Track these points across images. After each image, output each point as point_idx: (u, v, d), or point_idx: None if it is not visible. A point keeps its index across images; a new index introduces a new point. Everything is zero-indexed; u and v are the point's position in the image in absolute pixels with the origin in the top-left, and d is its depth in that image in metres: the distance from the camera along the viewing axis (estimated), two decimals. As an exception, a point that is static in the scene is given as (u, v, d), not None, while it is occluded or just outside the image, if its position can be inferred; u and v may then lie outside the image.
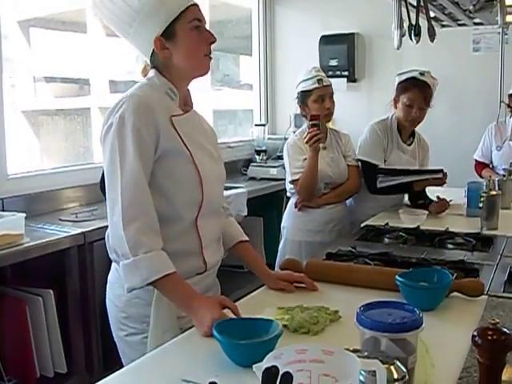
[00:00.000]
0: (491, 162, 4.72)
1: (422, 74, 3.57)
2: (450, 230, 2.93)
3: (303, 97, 3.51)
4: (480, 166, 4.73)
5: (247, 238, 2.29)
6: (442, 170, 3.59)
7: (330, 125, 3.77)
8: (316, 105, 3.45)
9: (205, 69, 2.05)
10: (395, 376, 1.15)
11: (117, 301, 2.06)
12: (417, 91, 3.54)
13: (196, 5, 1.99)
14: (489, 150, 4.71)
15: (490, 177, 3.35)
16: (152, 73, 2.04)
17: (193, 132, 2.03)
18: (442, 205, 3.56)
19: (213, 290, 2.16)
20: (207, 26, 2.04)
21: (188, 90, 2.12)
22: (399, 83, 3.64)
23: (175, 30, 1.94)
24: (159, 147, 1.90)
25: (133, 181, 1.84)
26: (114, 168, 1.86)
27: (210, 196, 2.00)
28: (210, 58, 2.03)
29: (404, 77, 3.62)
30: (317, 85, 3.44)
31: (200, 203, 1.97)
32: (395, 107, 3.66)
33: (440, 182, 3.64)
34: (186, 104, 2.11)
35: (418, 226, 3.02)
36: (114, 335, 2.11)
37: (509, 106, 4.66)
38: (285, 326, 1.72)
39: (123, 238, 1.81)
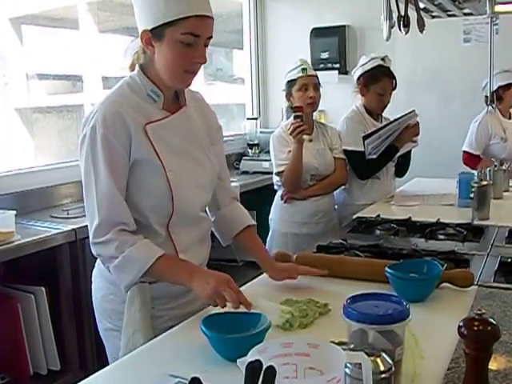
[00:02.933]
0: (485, 155, 4.68)
1: (383, 59, 3.71)
2: (442, 220, 2.93)
3: (288, 86, 3.57)
4: (472, 159, 4.66)
5: (254, 222, 2.24)
6: (414, 110, 3.73)
7: (320, 118, 3.78)
8: (299, 93, 3.50)
9: (181, 84, 1.95)
10: (381, 368, 1.14)
11: (97, 294, 2.08)
12: (387, 79, 3.70)
13: (204, 16, 1.82)
14: (484, 142, 4.68)
15: (482, 167, 3.35)
16: (135, 71, 1.96)
17: (173, 137, 1.95)
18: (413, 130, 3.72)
19: (190, 292, 2.09)
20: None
21: None
22: (365, 72, 3.72)
23: (164, 34, 1.81)
24: (131, 156, 1.86)
25: (107, 198, 1.83)
26: (88, 182, 1.86)
27: (183, 205, 1.94)
28: (193, 75, 1.91)
29: (368, 66, 3.71)
30: (301, 73, 3.51)
31: (170, 213, 1.93)
32: (363, 95, 3.76)
33: (416, 130, 3.74)
34: (177, 102, 2.02)
35: (410, 218, 3.02)
36: (98, 328, 2.13)
37: (496, 99, 4.67)
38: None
39: (105, 242, 1.81)
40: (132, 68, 3.17)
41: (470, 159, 4.67)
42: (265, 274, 2.22)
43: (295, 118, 3.34)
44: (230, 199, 2.24)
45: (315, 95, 3.51)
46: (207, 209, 2.19)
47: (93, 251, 1.89)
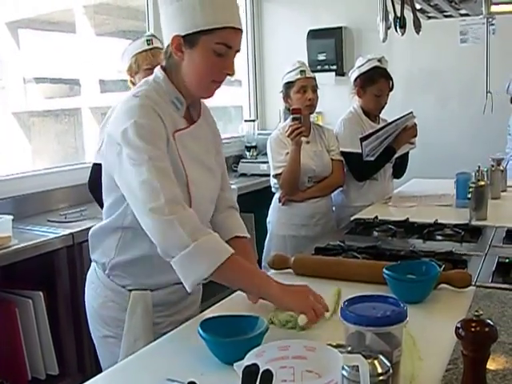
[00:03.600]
0: None
1: (379, 61, 3.73)
2: (439, 221, 2.92)
3: (286, 88, 3.57)
4: None
5: (247, 235, 2.14)
6: (411, 112, 3.74)
7: (318, 120, 3.79)
8: (298, 95, 3.50)
9: (206, 93, 1.91)
10: (379, 370, 1.14)
11: (93, 301, 2.03)
12: (384, 81, 3.71)
13: (236, 29, 1.81)
14: None
15: (479, 167, 3.35)
16: (160, 74, 1.91)
17: (194, 147, 1.92)
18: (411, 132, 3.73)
19: (189, 298, 2.08)
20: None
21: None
22: (362, 74, 3.74)
23: (198, 41, 1.78)
24: None
25: (168, 178, 1.73)
26: (138, 161, 1.72)
27: (198, 216, 1.87)
28: (218, 86, 1.89)
29: (365, 68, 3.72)
30: (299, 76, 3.51)
31: None
32: (360, 97, 3.78)
33: (414, 132, 3.76)
34: (195, 110, 2.00)
35: (407, 219, 3.02)
36: (92, 334, 2.10)
37: None
38: (272, 322, 1.72)
39: (176, 224, 1.66)
40: (130, 72, 3.16)
41: None
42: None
43: (293, 119, 3.34)
44: (227, 208, 2.17)
45: (313, 97, 3.51)
46: None
47: (157, 240, 1.70)
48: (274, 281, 1.78)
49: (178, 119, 1.90)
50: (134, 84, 3.15)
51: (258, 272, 1.83)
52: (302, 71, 3.51)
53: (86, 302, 2.08)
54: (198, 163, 1.92)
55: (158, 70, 1.93)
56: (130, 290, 1.94)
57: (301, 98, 3.49)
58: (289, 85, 3.55)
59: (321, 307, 1.71)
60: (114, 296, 1.96)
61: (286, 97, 3.58)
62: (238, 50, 1.87)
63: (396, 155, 3.75)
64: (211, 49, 1.79)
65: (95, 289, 2.02)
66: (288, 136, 3.35)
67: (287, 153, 3.44)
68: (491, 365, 1.34)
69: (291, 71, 3.55)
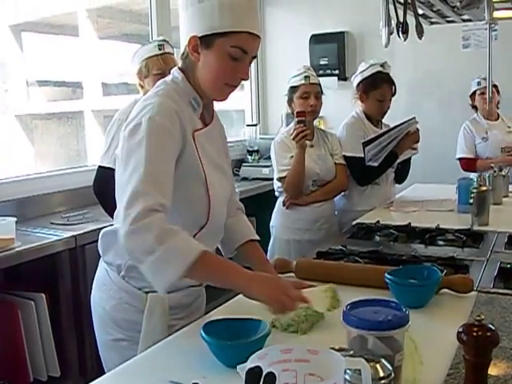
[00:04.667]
0: (477, 156, 4.76)
1: (382, 66, 3.75)
2: (441, 226, 2.92)
3: (290, 92, 3.59)
4: (469, 162, 4.72)
5: (258, 238, 2.18)
6: (414, 118, 3.75)
7: (320, 124, 3.80)
8: (300, 100, 3.52)
9: (220, 96, 1.93)
10: (381, 374, 1.15)
11: (104, 304, 2.00)
12: (386, 86, 3.73)
13: (253, 35, 1.82)
14: (473, 145, 4.77)
15: (481, 173, 3.36)
16: (178, 75, 1.93)
17: (209, 148, 1.93)
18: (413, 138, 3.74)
19: (197, 300, 2.10)
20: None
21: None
22: (364, 79, 3.75)
23: (214, 43, 1.80)
24: (180, 160, 1.81)
25: (155, 180, 1.70)
26: (136, 166, 1.71)
27: (215, 218, 1.92)
28: (232, 89, 1.91)
29: (368, 73, 3.73)
30: (303, 81, 3.51)
31: (203, 225, 1.90)
32: (362, 102, 3.79)
33: (416, 137, 3.77)
34: (208, 113, 2.01)
35: (409, 223, 3.02)
36: (97, 338, 2.07)
37: (472, 106, 4.87)
38: (274, 325, 1.73)
39: (144, 229, 1.62)
40: (139, 75, 3.17)
41: (467, 163, 4.74)
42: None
43: (298, 122, 3.35)
44: (236, 210, 2.21)
45: (316, 103, 3.51)
46: None
47: (126, 247, 1.67)
48: (245, 271, 1.75)
49: (196, 119, 1.91)
50: (142, 87, 3.16)
51: (230, 266, 1.76)
52: (306, 77, 3.52)
53: (95, 305, 2.06)
54: (213, 164, 1.93)
55: (175, 71, 1.94)
56: (147, 292, 1.91)
57: (303, 103, 3.50)
58: (293, 89, 3.56)
59: (288, 299, 1.68)
60: (129, 298, 1.94)
61: (290, 101, 3.59)
62: (255, 57, 1.88)
63: (398, 160, 3.75)
64: (226, 52, 1.81)
65: (107, 291, 1.99)
66: (293, 139, 3.35)
67: (291, 156, 3.45)
68: (492, 370, 1.35)
69: (296, 76, 3.56)
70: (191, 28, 1.84)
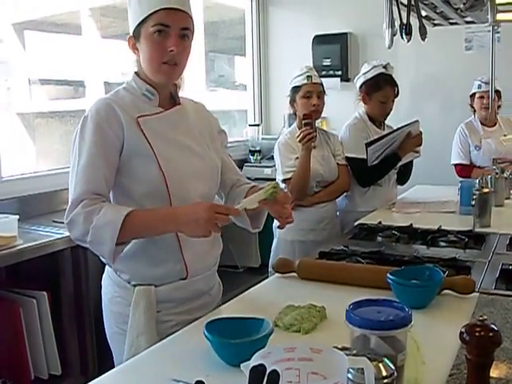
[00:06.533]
0: (471, 163, 4.71)
1: (385, 67, 3.75)
2: (443, 227, 2.93)
3: (293, 92, 3.58)
4: (464, 169, 4.66)
5: (256, 184, 2.23)
6: (417, 120, 3.76)
7: (322, 125, 3.80)
8: (303, 100, 3.51)
9: (164, 77, 1.99)
10: (383, 373, 1.15)
11: (104, 297, 2.10)
12: (389, 88, 3.74)
13: (173, 9, 1.91)
14: (468, 151, 4.71)
15: (483, 174, 3.36)
16: (131, 76, 2.06)
17: (168, 131, 2.02)
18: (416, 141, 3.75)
19: (206, 298, 2.13)
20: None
21: (176, 85, 2.11)
22: (367, 80, 3.76)
23: (140, 32, 1.94)
24: (124, 146, 1.93)
25: (86, 174, 1.87)
26: (73, 163, 1.91)
27: (179, 192, 1.96)
28: (174, 68, 1.97)
29: (370, 74, 3.74)
30: (305, 81, 3.51)
31: (167, 199, 1.95)
32: (365, 103, 3.79)
33: (419, 141, 3.77)
34: (171, 99, 2.10)
35: (411, 225, 3.02)
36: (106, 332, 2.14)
37: (471, 106, 4.78)
38: (276, 325, 1.73)
39: (73, 219, 1.83)
40: None
41: (463, 170, 4.66)
42: (266, 280, 2.23)
43: (305, 125, 3.34)
44: (240, 185, 2.25)
45: (318, 103, 3.51)
46: None
47: (71, 236, 1.89)
48: (170, 214, 1.89)
49: (149, 108, 2.01)
50: None
51: (156, 215, 1.89)
52: (308, 76, 3.51)
53: (102, 299, 2.14)
54: (172, 144, 2.00)
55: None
56: (135, 286, 1.98)
57: (306, 103, 3.50)
58: (295, 89, 3.55)
59: (215, 226, 1.77)
60: (120, 291, 2.01)
61: (292, 101, 3.58)
62: (186, 28, 1.95)
63: (400, 163, 3.76)
64: (150, 33, 1.92)
65: (106, 285, 2.10)
66: (299, 141, 3.35)
67: (296, 157, 3.45)
68: (494, 372, 1.35)
69: (298, 76, 3.55)
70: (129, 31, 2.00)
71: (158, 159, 1.93)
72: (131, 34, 1.97)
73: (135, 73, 2.06)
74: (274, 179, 3.68)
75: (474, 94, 4.73)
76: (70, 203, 1.85)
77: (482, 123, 4.72)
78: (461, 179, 3.70)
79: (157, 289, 1.97)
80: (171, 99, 2.10)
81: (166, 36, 1.91)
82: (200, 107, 2.23)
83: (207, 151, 2.10)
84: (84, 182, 1.86)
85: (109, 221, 1.79)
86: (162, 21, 1.90)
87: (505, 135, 4.69)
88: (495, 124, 4.75)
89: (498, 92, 4.51)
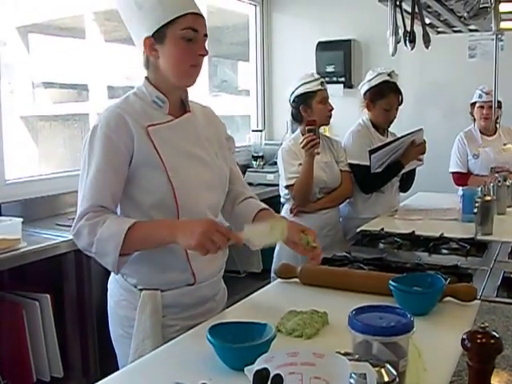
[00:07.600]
0: (468, 171, 4.71)
1: (389, 75, 3.76)
2: (445, 235, 2.94)
3: (306, 98, 3.57)
4: (462, 177, 4.67)
5: (266, 207, 2.22)
6: (421, 129, 3.77)
7: (326, 131, 3.80)
8: (320, 105, 3.55)
9: (189, 79, 2.01)
10: (385, 379, 1.16)
11: (110, 300, 2.11)
12: (393, 95, 3.75)
13: (197, 14, 1.95)
14: (466, 160, 4.71)
15: (485, 182, 3.37)
16: (142, 82, 2.04)
17: (177, 140, 2.01)
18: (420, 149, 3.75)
19: (211, 304, 2.13)
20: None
21: (186, 92, 2.09)
22: (372, 88, 3.78)
23: (165, 34, 1.92)
24: (134, 157, 1.93)
25: (93, 188, 1.88)
26: (82, 176, 1.93)
27: (188, 203, 1.96)
28: (198, 69, 2.00)
29: (375, 82, 3.75)
30: (320, 87, 3.55)
31: (175, 210, 1.95)
32: (369, 110, 3.81)
33: (423, 149, 3.77)
34: (183, 109, 2.09)
35: (413, 232, 3.03)
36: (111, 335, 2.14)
37: (471, 114, 4.78)
38: (279, 330, 1.74)
39: (79, 231, 1.85)
40: None
41: (460, 178, 4.67)
42: (268, 286, 2.24)
43: (309, 131, 3.33)
44: (244, 199, 2.24)
45: (333, 108, 3.57)
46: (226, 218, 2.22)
47: (79, 246, 1.92)
48: (168, 223, 1.91)
49: (159, 116, 2.01)
50: None
51: (154, 225, 1.92)
52: (322, 83, 3.57)
53: (108, 303, 2.14)
54: (181, 154, 2.00)
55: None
56: (141, 290, 1.98)
57: (323, 108, 3.54)
58: (310, 95, 3.55)
59: (211, 244, 1.75)
60: (127, 295, 2.02)
61: (306, 107, 3.56)
62: (206, 35, 1.98)
63: (403, 171, 3.76)
64: (179, 36, 1.92)
65: (113, 288, 2.10)
66: (303, 147, 3.34)
67: (300, 164, 3.45)
68: (495, 379, 1.35)
69: (311, 81, 3.56)
70: (141, 33, 1.96)
71: (166, 170, 1.93)
72: (150, 35, 1.93)
73: (146, 78, 2.05)
74: (277, 185, 3.69)
75: (475, 103, 4.74)
76: (76, 215, 1.87)
77: (481, 132, 4.72)
78: (461, 188, 3.70)
79: (163, 293, 1.98)
80: (181, 106, 2.09)
81: (194, 40, 1.94)
82: (208, 111, 2.22)
83: (215, 159, 2.10)
84: (90, 196, 1.87)
85: (112, 233, 1.81)
86: (192, 25, 1.93)
87: (504, 144, 4.70)
88: (495, 133, 4.76)
89: (499, 102, 4.51)
